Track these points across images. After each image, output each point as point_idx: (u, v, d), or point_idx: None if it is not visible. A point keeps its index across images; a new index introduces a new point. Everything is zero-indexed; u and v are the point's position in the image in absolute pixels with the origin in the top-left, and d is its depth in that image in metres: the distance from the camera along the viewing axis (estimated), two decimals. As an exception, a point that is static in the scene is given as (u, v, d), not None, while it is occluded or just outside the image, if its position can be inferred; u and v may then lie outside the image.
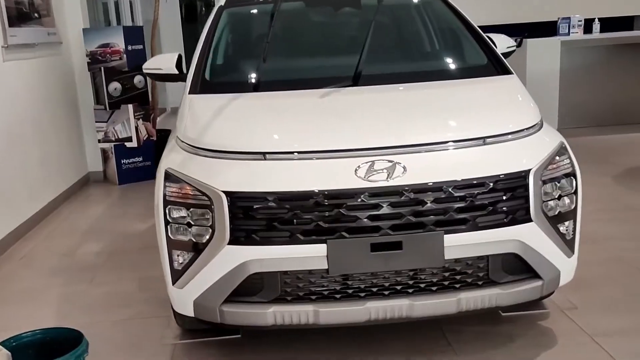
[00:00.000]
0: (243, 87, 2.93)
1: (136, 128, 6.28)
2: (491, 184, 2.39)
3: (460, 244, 2.38)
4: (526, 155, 2.50)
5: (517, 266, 2.50)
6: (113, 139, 6.28)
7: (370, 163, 2.38)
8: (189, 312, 2.53)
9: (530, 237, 2.46)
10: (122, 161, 6.29)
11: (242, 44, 3.54)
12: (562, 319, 2.98)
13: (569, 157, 2.63)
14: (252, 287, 2.42)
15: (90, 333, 3.08)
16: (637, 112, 7.83)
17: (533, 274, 2.51)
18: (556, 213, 2.54)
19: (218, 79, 3.18)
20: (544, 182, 2.49)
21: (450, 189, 2.36)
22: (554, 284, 2.58)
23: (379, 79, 2.91)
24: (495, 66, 3.07)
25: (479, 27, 3.35)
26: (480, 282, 2.47)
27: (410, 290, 2.44)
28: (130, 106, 6.20)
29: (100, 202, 5.83)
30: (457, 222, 2.37)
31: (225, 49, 3.43)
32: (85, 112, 6.41)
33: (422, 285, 2.44)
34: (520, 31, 7.89)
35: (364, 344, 2.81)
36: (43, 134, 5.47)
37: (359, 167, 2.37)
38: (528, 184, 2.43)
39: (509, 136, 2.54)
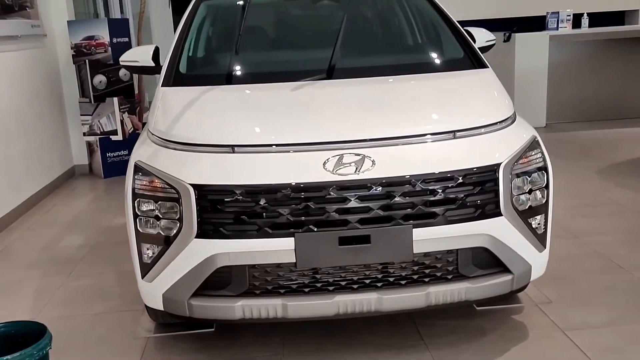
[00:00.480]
0: (216, 79, 2.91)
1: (121, 121, 6.25)
2: (460, 178, 2.38)
3: (429, 238, 2.38)
4: (497, 149, 2.49)
5: (488, 260, 2.49)
6: (98, 132, 6.25)
7: (338, 156, 2.37)
8: (159, 305, 2.52)
9: (500, 231, 2.45)
10: (108, 154, 6.27)
11: (218, 36, 3.52)
12: (535, 313, 2.98)
13: (541, 151, 2.63)
14: (221, 281, 2.41)
15: (64, 326, 3.09)
16: (625, 107, 7.84)
17: (503, 268, 2.51)
18: (527, 207, 2.53)
19: (192, 72, 3.17)
20: (515, 176, 2.49)
21: (419, 183, 2.35)
22: (525, 278, 2.58)
23: (353, 72, 2.90)
24: (471, 60, 3.07)
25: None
26: (449, 276, 2.47)
27: (379, 284, 2.44)
28: (115, 99, 6.18)
29: (84, 195, 5.81)
30: (426, 216, 2.36)
31: (201, 41, 3.41)
32: (70, 105, 6.38)
33: (391, 279, 2.44)
34: (511, 25, 7.89)
35: (335, 337, 2.81)
36: (27, 127, 5.44)
37: (327, 160, 2.36)
38: (498, 178, 2.43)
39: (480, 130, 2.53)
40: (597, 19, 8.58)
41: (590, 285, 3.24)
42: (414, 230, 2.35)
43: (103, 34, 6.03)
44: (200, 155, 2.44)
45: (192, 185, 2.35)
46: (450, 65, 3.05)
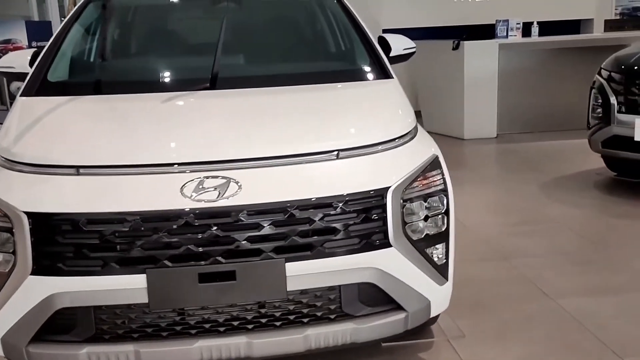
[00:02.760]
0: (83, 89, 2.58)
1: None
2: (341, 205, 2.08)
3: (305, 273, 2.07)
4: (386, 171, 2.20)
5: (377, 297, 2.20)
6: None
7: (199, 180, 2.06)
8: (-1, 351, 2.18)
9: (389, 264, 2.16)
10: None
11: (100, 40, 3.18)
12: (445, 349, 2.69)
13: (442, 172, 2.34)
14: (64, 325, 2.08)
15: None
16: (578, 118, 7.65)
17: (396, 306, 2.22)
18: (423, 236, 2.24)
19: (60, 79, 2.81)
20: (408, 201, 2.20)
21: (292, 210, 2.05)
22: (422, 315, 2.29)
23: (240, 82, 2.60)
24: (375, 70, 2.78)
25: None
26: (332, 316, 2.17)
27: (249, 326, 2.12)
28: (36, 107, 5.78)
29: None
30: (301, 249, 2.06)
31: (81, 45, 3.06)
32: (-11, 113, 5.99)
33: (263, 321, 2.13)
34: (461, 33, 7.69)
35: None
36: None
37: (185, 184, 2.04)
38: (386, 204, 2.14)
39: (369, 149, 2.24)
40: (553, 28, 8.45)
41: (510, 315, 2.97)
42: (287, 264, 2.05)
43: (21, 37, 5.64)
44: (40, 177, 2.10)
45: (26, 213, 2.01)
46: (350, 75, 2.76)
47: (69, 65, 2.83)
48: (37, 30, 5.80)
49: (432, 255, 2.29)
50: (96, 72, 2.65)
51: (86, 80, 2.75)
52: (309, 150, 2.17)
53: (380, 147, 2.26)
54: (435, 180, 2.30)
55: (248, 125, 2.30)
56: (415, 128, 2.49)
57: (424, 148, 2.39)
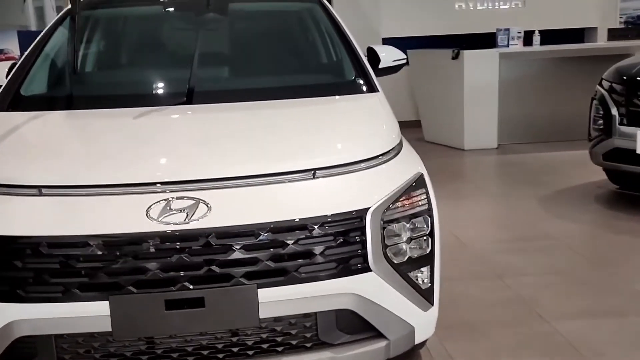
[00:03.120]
0: (54, 104, 2.49)
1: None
2: (316, 227, 1.97)
3: (278, 300, 1.96)
4: (366, 191, 2.09)
5: (357, 324, 2.08)
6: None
7: (167, 201, 1.95)
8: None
9: (369, 289, 2.05)
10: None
11: (74, 54, 3.06)
12: (432, 376, 2.57)
13: (426, 192, 2.22)
14: (25, 354, 1.97)
15: None
16: (579, 128, 7.50)
17: (377, 333, 2.10)
18: (405, 259, 2.13)
19: (32, 94, 2.71)
20: (389, 223, 2.08)
21: (264, 234, 1.94)
22: (406, 342, 2.17)
23: (218, 96, 2.50)
24: (360, 83, 2.67)
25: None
26: (308, 345, 2.06)
27: (220, 356, 2.01)
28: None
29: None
30: (274, 274, 1.95)
31: (59, 57, 2.96)
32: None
33: (235, 350, 2.01)
34: (462, 42, 7.59)
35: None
36: None
37: (152, 206, 1.94)
38: (365, 227, 2.02)
39: (347, 167, 2.12)
40: (558, 37, 8.33)
41: (502, 338, 2.84)
42: (259, 290, 1.94)
43: (13, 47, 5.58)
44: (1, 198, 2.00)
45: None
46: (333, 89, 2.65)
47: (44, 79, 2.74)
48: (30, 40, 5.71)
49: (417, 279, 2.18)
50: (69, 86, 2.56)
51: (58, 94, 2.65)
52: (284, 169, 2.06)
53: (360, 166, 2.15)
54: (419, 200, 2.18)
55: (220, 143, 2.19)
56: (400, 144, 2.37)
57: (408, 166, 2.28)
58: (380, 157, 2.22)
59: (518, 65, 7.31)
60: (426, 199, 2.21)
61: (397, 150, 2.32)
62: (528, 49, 7.32)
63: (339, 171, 2.11)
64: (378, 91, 2.63)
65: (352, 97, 2.59)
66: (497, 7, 9.04)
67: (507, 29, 7.21)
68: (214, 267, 1.91)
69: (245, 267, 1.93)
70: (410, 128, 8.57)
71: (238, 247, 1.92)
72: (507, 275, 3.55)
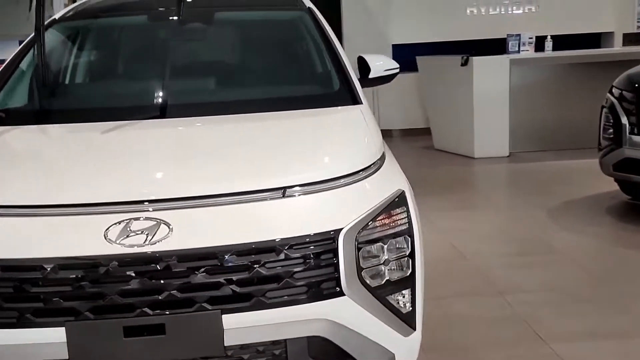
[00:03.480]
0: (23, 118, 2.41)
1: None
2: (284, 250, 1.86)
3: (244, 326, 1.85)
4: (340, 210, 1.96)
5: (331, 351, 1.96)
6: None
7: (126, 222, 1.85)
8: None
9: (342, 314, 1.92)
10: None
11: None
12: (420, 402, 2.43)
13: (407, 210, 2.09)
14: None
15: None
16: (591, 136, 7.27)
17: (352, 360, 1.98)
18: (383, 282, 2.00)
19: (4, 107, 2.63)
20: (366, 243, 1.96)
21: (229, 256, 1.83)
22: (386, 370, 2.04)
23: (192, 109, 2.40)
24: (343, 95, 2.55)
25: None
26: (278, 374, 1.94)
27: (184, 384, 1.91)
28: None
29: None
30: (240, 299, 1.84)
31: (29, 72, 2.87)
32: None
33: (200, 378, 1.91)
34: (473, 48, 7.43)
35: None
36: None
37: (109, 227, 1.84)
38: (337, 249, 1.90)
39: (320, 185, 2.00)
40: (574, 42, 8.14)
41: (496, 361, 2.71)
42: (223, 316, 1.83)
43: (14, 57, 5.55)
44: None
45: None
46: (313, 101, 2.53)
47: (15, 93, 2.66)
48: (31, 50, 5.70)
49: (397, 303, 2.05)
50: (37, 100, 2.48)
51: (24, 109, 2.57)
52: (251, 187, 1.94)
53: (336, 183, 2.03)
54: (398, 219, 2.05)
55: (186, 159, 2.09)
56: (382, 159, 2.24)
57: (388, 182, 2.15)
58: (358, 173, 2.09)
59: (529, 72, 7.13)
60: (406, 218, 2.08)
61: (377, 165, 2.19)
62: (539, 54, 7.16)
63: (312, 189, 1.99)
64: (362, 103, 2.52)
65: (333, 110, 2.47)
66: (509, 12, 8.89)
67: (518, 35, 7.04)
68: (175, 292, 1.81)
69: (208, 292, 1.82)
70: (420, 136, 8.46)
71: (201, 270, 1.82)
72: (508, 292, 3.40)
